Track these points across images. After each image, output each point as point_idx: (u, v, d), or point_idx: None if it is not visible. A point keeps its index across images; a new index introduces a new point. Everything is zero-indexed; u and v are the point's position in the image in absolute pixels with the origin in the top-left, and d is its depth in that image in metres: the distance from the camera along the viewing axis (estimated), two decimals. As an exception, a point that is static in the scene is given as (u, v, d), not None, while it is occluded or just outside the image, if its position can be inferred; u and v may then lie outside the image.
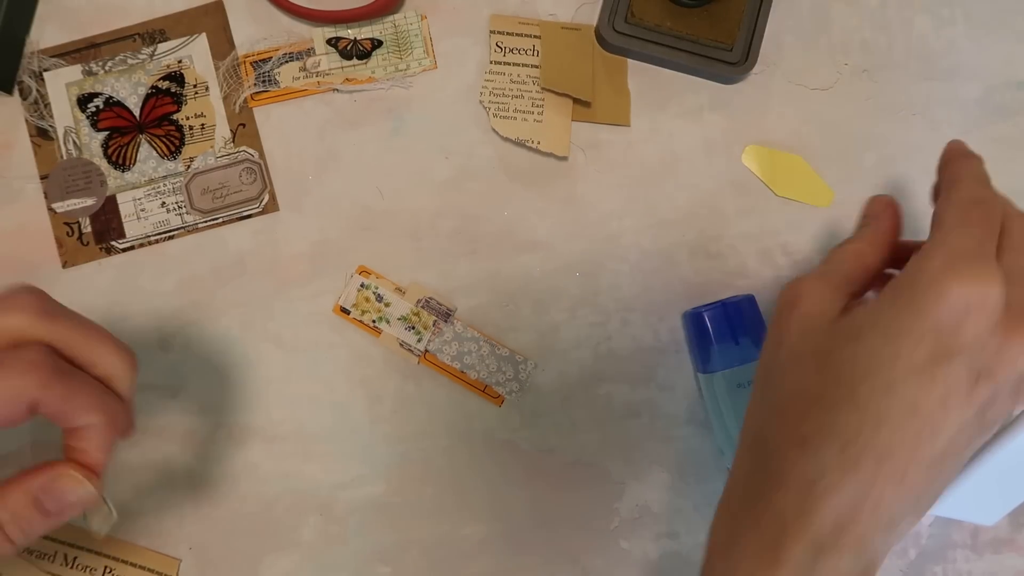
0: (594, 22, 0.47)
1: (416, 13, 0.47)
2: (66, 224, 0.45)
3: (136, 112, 0.46)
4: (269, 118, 0.46)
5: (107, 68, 0.46)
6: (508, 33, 0.46)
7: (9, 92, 0.45)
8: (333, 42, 0.46)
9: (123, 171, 0.46)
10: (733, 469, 0.34)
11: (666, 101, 0.47)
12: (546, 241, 0.46)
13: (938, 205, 0.32)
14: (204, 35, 0.46)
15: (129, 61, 0.46)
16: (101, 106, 0.46)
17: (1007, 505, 0.42)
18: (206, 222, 0.46)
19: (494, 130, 0.46)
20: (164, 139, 0.46)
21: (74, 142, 0.46)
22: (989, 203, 0.31)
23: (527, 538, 0.45)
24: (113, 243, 0.45)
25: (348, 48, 0.46)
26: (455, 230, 0.46)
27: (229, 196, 0.46)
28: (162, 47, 0.46)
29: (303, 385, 0.45)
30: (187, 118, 0.46)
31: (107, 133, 0.46)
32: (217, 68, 0.46)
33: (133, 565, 0.44)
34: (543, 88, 0.46)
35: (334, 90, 0.46)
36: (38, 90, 0.46)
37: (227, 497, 0.45)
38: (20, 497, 0.29)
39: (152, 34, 0.46)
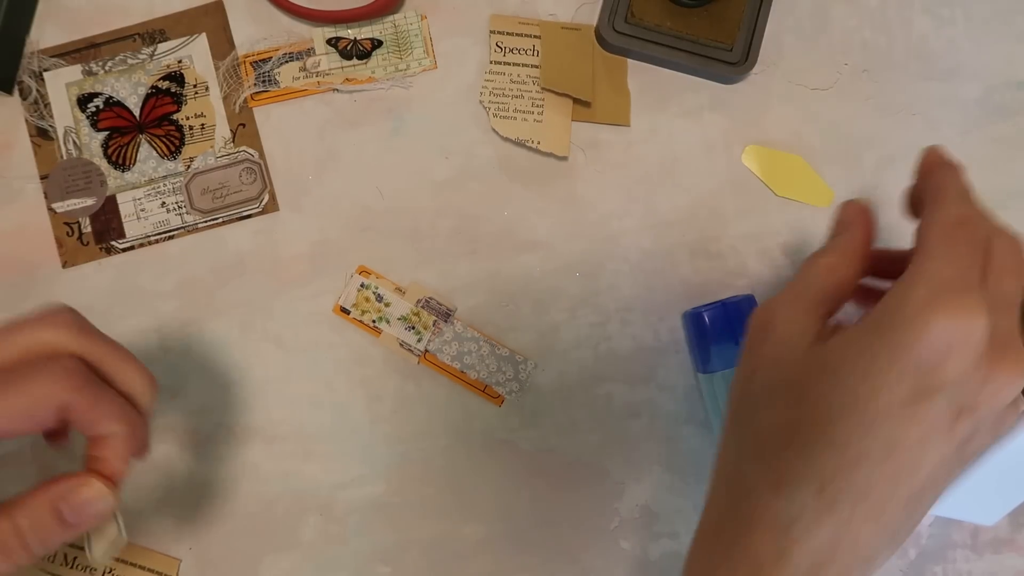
0: (594, 22, 0.47)
1: (416, 13, 0.47)
2: (66, 224, 0.45)
3: (136, 112, 0.46)
4: (269, 118, 0.46)
5: (107, 68, 0.46)
6: (508, 33, 0.46)
7: (9, 92, 0.45)
8: (333, 42, 0.46)
9: (123, 171, 0.46)
10: (708, 505, 0.33)
11: (666, 101, 0.47)
12: (546, 241, 0.46)
13: (921, 225, 0.30)
14: (204, 35, 0.46)
15: (129, 61, 0.46)
16: (101, 106, 0.46)
17: (1007, 505, 0.42)
18: (206, 222, 0.46)
19: (494, 130, 0.46)
20: (164, 139, 0.46)
21: (74, 142, 0.46)
22: (974, 223, 0.30)
23: (527, 538, 0.45)
24: (113, 243, 0.45)
25: (348, 48, 0.46)
26: (455, 230, 0.46)
27: (229, 196, 0.46)
28: (162, 47, 0.46)
29: (303, 385, 0.45)
30: (187, 118, 0.46)
31: (107, 133, 0.46)
32: (217, 68, 0.46)
33: (133, 565, 0.44)
34: (543, 88, 0.46)
35: (334, 90, 0.46)
36: (38, 90, 0.46)
37: (227, 497, 0.45)
38: (41, 505, 0.30)
39: (152, 34, 0.46)
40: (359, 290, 0.45)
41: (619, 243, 0.46)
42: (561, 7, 0.47)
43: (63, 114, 0.46)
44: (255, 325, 0.45)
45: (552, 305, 0.46)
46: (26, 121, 0.46)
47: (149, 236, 0.46)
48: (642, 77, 0.47)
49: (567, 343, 0.46)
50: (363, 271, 0.46)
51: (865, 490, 0.28)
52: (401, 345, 0.45)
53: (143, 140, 0.46)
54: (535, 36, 0.46)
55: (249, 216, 0.46)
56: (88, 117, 0.46)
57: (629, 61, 0.47)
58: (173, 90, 0.46)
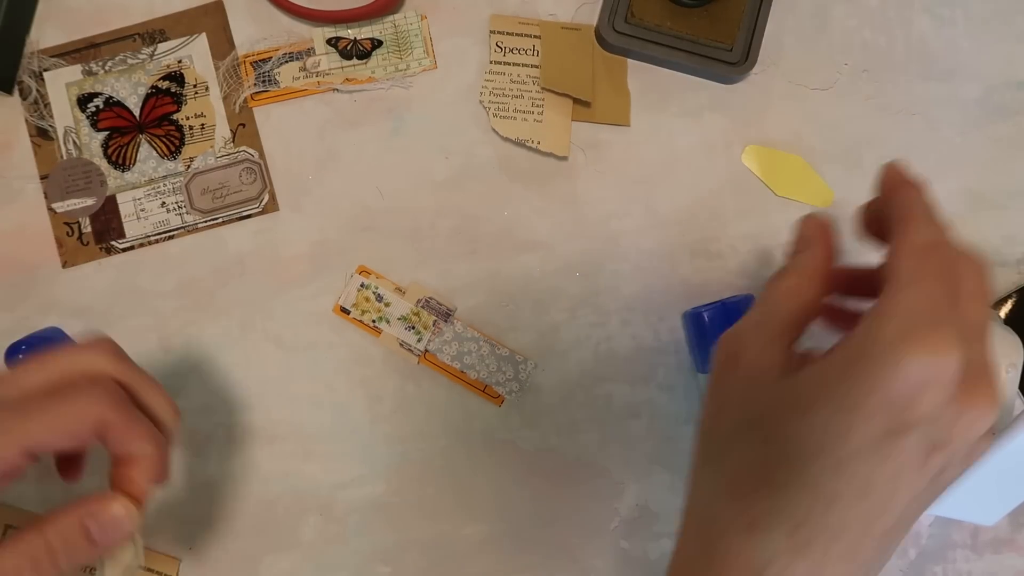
0: (594, 22, 0.47)
1: (416, 13, 0.47)
2: (66, 224, 0.45)
3: (136, 112, 0.46)
4: (269, 118, 0.46)
5: (107, 68, 0.46)
6: (508, 33, 0.46)
7: (9, 92, 0.45)
8: (333, 42, 0.46)
9: (123, 171, 0.46)
10: (679, 545, 0.32)
11: (666, 101, 0.47)
12: (546, 241, 0.46)
13: (890, 251, 0.29)
14: (204, 35, 0.46)
15: (129, 61, 0.46)
16: (101, 106, 0.46)
17: (1007, 505, 0.42)
18: (206, 222, 0.46)
19: (494, 130, 0.46)
20: (164, 139, 0.46)
21: (74, 142, 0.46)
22: (943, 249, 0.29)
23: (527, 538, 0.45)
24: (113, 243, 0.45)
25: (348, 48, 0.46)
26: (455, 230, 0.46)
27: (229, 196, 0.46)
28: (162, 47, 0.46)
29: (303, 385, 0.45)
30: (187, 118, 0.46)
31: (107, 133, 0.46)
32: (217, 68, 0.46)
33: (133, 565, 0.44)
34: (543, 88, 0.46)
35: (334, 90, 0.46)
36: (38, 90, 0.46)
37: (227, 497, 0.45)
38: (71, 522, 0.32)
39: (152, 34, 0.46)
40: (359, 290, 0.45)
41: (619, 243, 0.46)
42: (561, 7, 0.47)
43: (63, 114, 0.46)
44: (255, 325, 0.45)
45: (552, 305, 0.46)
46: (26, 121, 0.46)
47: (149, 236, 0.46)
48: (642, 77, 0.47)
49: (567, 343, 0.46)
50: (363, 271, 0.46)
51: (839, 530, 0.28)
52: (401, 345, 0.45)
53: (143, 140, 0.46)
54: (535, 36, 0.46)
55: (249, 216, 0.46)
56: (88, 117, 0.46)
57: (629, 61, 0.47)
58: (173, 90, 0.46)
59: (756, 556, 0.28)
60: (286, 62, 0.46)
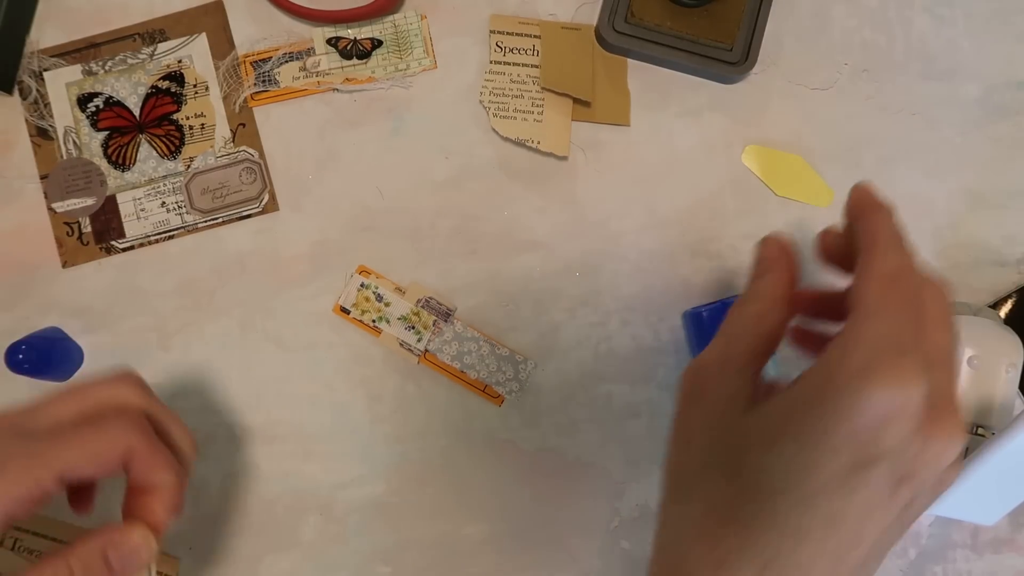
0: (594, 22, 0.47)
1: (416, 13, 0.47)
2: (66, 224, 0.45)
3: (136, 112, 0.46)
4: (269, 118, 0.46)
5: (107, 68, 0.46)
6: (508, 33, 0.46)
7: (9, 92, 0.45)
8: (333, 42, 0.46)
9: (123, 171, 0.46)
10: None
11: (666, 101, 0.47)
12: (546, 241, 0.46)
13: (856, 279, 0.29)
14: (204, 35, 0.46)
15: (129, 61, 0.46)
16: (101, 106, 0.46)
17: (1007, 505, 0.42)
18: (206, 222, 0.46)
19: (494, 130, 0.46)
20: (164, 139, 0.46)
21: (74, 142, 0.46)
22: (907, 277, 0.28)
23: (527, 538, 0.45)
24: (113, 243, 0.45)
25: (348, 48, 0.46)
26: (455, 230, 0.46)
27: (229, 196, 0.46)
28: (162, 47, 0.46)
29: (303, 385, 0.45)
30: (187, 118, 0.46)
31: (107, 133, 0.46)
32: (217, 68, 0.46)
33: (133, 565, 0.44)
34: (543, 88, 0.46)
35: (334, 90, 0.46)
36: (38, 90, 0.46)
37: (227, 497, 0.45)
38: (93, 550, 0.32)
39: (152, 34, 0.46)
40: (359, 290, 0.45)
41: (619, 243, 0.46)
42: (561, 7, 0.47)
43: (63, 114, 0.46)
44: (255, 325, 0.45)
45: (552, 305, 0.46)
46: (26, 121, 0.46)
47: (149, 236, 0.46)
48: (642, 77, 0.47)
49: (567, 343, 0.46)
50: (363, 271, 0.46)
51: (808, 568, 0.27)
52: (401, 345, 0.45)
53: (143, 140, 0.46)
54: (535, 36, 0.46)
55: (249, 216, 0.46)
56: (88, 117, 0.46)
57: (629, 61, 0.47)
58: (173, 90, 0.46)
59: None
60: (286, 62, 0.46)
